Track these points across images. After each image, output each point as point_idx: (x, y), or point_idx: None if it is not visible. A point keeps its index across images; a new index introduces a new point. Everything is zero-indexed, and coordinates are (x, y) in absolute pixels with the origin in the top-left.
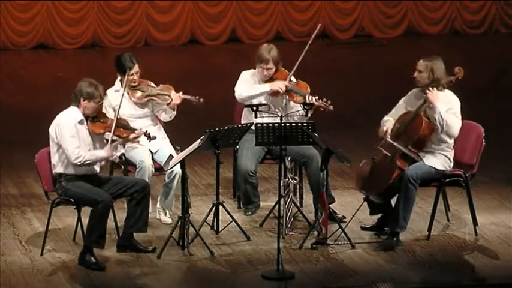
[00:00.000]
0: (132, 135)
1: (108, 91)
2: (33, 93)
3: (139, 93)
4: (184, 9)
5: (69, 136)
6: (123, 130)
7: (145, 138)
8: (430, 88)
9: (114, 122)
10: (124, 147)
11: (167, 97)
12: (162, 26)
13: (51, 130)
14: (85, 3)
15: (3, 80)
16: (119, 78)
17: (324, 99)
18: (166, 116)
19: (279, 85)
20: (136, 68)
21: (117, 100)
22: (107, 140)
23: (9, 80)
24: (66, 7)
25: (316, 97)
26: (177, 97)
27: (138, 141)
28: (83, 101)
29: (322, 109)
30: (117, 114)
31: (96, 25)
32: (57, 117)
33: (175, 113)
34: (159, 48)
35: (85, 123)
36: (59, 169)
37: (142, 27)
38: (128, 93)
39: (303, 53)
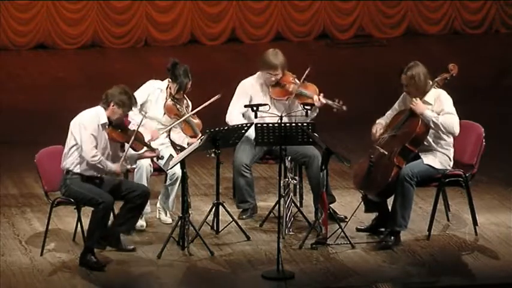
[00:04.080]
0: (147, 154)
1: (151, 82)
2: (33, 93)
3: (173, 107)
4: (184, 9)
5: (89, 134)
6: (139, 144)
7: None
8: (413, 101)
9: (134, 134)
10: (136, 163)
11: (191, 131)
12: (162, 26)
13: (73, 124)
14: (85, 3)
15: (3, 80)
16: (168, 81)
17: (336, 100)
18: (176, 139)
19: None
20: (188, 84)
21: (152, 100)
22: (123, 151)
23: (9, 80)
24: (66, 7)
25: (322, 95)
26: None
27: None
28: (113, 105)
29: (335, 110)
30: (139, 127)
31: (96, 25)
32: (82, 114)
33: (186, 147)
34: (159, 48)
35: (107, 127)
36: (68, 165)
37: (142, 27)
38: (165, 99)
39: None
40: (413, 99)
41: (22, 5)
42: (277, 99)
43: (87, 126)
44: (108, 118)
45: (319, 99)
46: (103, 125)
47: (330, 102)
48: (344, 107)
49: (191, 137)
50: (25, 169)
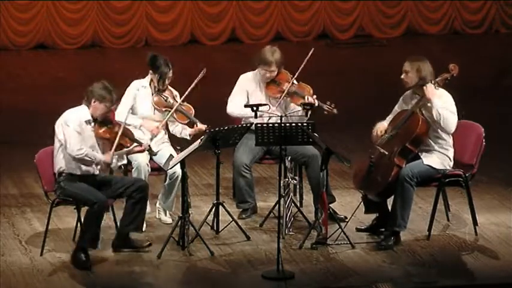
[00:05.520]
0: (136, 149)
1: (134, 82)
2: (33, 93)
3: (160, 100)
4: (184, 9)
5: (73, 130)
6: (128, 140)
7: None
8: (427, 85)
9: (121, 130)
10: (126, 158)
11: (185, 118)
12: (162, 26)
13: (57, 125)
14: (85, 3)
15: (3, 80)
16: (150, 74)
17: (328, 103)
18: (176, 131)
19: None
20: (169, 74)
21: (138, 99)
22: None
23: (9, 80)
24: (66, 7)
25: (315, 97)
26: (201, 127)
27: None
28: (94, 101)
29: (326, 112)
30: (125, 123)
31: (96, 25)
32: (65, 113)
33: (188, 138)
34: (159, 48)
35: (92, 123)
36: (59, 166)
37: (142, 27)
38: (152, 94)
39: (306, 59)
40: (427, 84)
41: (22, 5)
42: (271, 96)
43: (69, 123)
44: (92, 115)
45: (308, 100)
46: (87, 122)
47: (321, 104)
48: (335, 110)
49: (188, 124)
50: (25, 169)
